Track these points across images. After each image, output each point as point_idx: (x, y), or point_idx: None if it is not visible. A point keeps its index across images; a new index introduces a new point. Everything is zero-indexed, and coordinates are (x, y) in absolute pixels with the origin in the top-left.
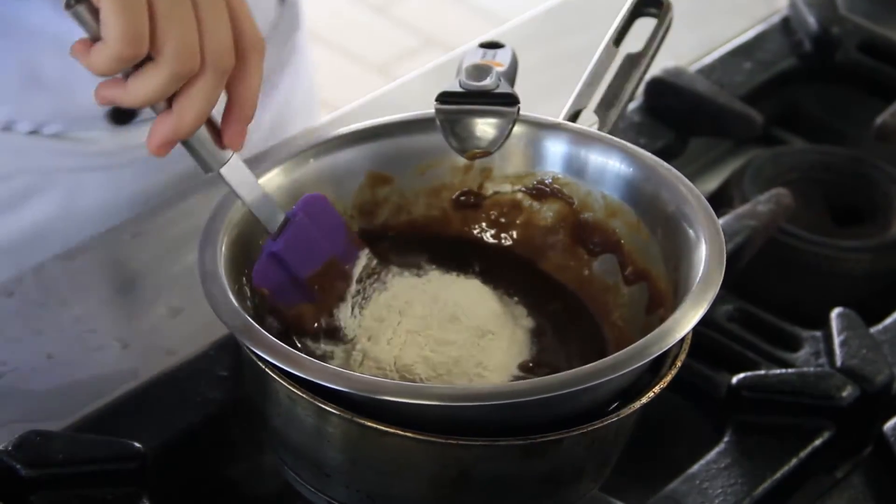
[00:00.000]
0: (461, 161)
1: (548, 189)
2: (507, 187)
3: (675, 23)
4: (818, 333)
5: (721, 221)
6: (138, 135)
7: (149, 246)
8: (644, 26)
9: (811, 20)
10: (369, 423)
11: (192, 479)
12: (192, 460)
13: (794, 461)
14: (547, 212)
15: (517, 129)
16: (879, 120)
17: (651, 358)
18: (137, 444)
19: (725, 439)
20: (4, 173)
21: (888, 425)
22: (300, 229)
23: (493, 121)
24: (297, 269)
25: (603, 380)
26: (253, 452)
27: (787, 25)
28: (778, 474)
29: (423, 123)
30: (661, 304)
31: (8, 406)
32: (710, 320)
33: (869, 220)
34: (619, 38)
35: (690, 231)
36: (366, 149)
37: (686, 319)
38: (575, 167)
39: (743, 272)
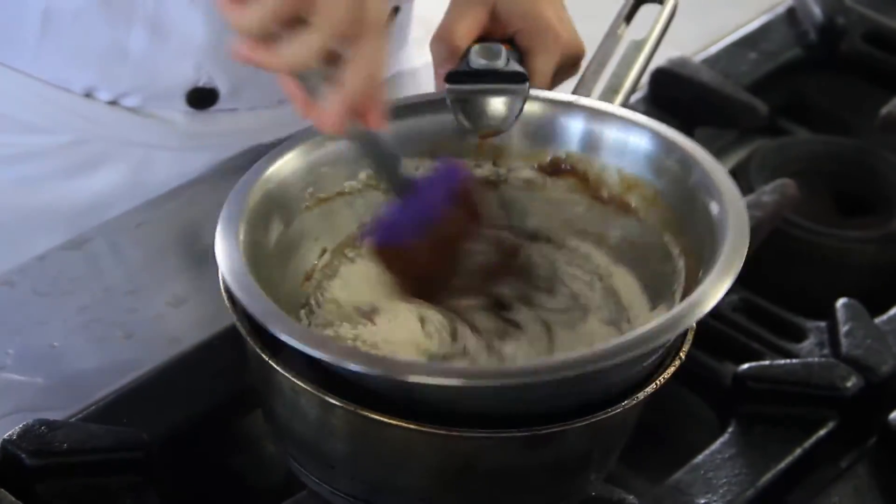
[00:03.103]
0: (473, 141)
1: (562, 166)
2: (520, 165)
3: (680, 13)
4: (823, 324)
5: None
6: (213, 122)
7: (153, 236)
8: (649, 13)
9: (816, 10)
10: (373, 415)
11: (196, 468)
12: (196, 449)
13: (798, 451)
14: (562, 188)
15: (528, 106)
16: (884, 110)
17: (682, 330)
18: (142, 434)
19: (730, 429)
20: (80, 138)
21: (893, 415)
22: (425, 197)
23: (503, 99)
24: (413, 238)
25: (634, 353)
26: (257, 442)
27: (792, 16)
28: (782, 464)
29: (433, 104)
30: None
31: (12, 396)
32: (715, 311)
33: (874, 211)
34: (623, 25)
35: (713, 203)
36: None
37: (713, 291)
38: (589, 143)
39: (748, 263)
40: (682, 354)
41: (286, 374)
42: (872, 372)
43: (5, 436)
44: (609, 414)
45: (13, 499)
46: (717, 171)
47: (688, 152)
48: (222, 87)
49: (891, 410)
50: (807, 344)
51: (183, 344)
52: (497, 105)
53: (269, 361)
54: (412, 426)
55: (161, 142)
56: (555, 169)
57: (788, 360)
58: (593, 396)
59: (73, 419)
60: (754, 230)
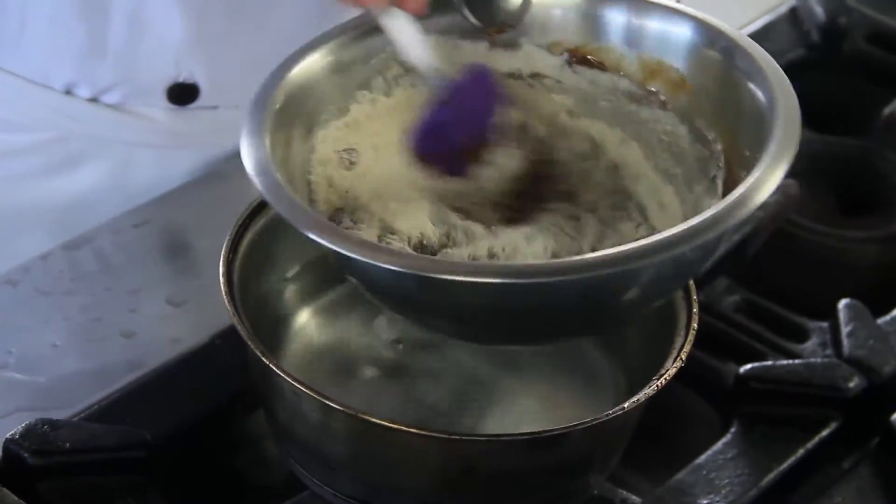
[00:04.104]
0: (482, 41)
1: (577, 57)
2: (535, 57)
3: None
4: (825, 324)
5: None
6: (195, 119)
7: (154, 235)
8: None
9: (819, 10)
10: (373, 420)
11: (198, 468)
12: (198, 449)
13: (801, 452)
14: (580, 80)
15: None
16: (887, 110)
17: (737, 221)
18: (144, 433)
19: (732, 430)
20: (60, 136)
21: (895, 416)
22: (462, 98)
23: None
24: (453, 139)
25: (688, 246)
26: (259, 442)
27: (794, 16)
28: (785, 465)
29: (440, 2)
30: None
31: (14, 395)
32: (716, 311)
33: (876, 211)
34: None
35: (751, 85)
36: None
37: (769, 178)
38: (604, 31)
39: (750, 263)
40: (683, 356)
41: (286, 378)
42: (875, 372)
43: (7, 435)
44: (611, 416)
45: (15, 498)
46: (760, 54)
47: (726, 35)
48: (203, 82)
49: (893, 411)
50: (809, 344)
51: (185, 344)
52: None
53: (270, 365)
54: (412, 430)
55: (143, 139)
56: (569, 60)
57: (791, 361)
58: (672, 276)
59: (75, 419)
60: (756, 231)
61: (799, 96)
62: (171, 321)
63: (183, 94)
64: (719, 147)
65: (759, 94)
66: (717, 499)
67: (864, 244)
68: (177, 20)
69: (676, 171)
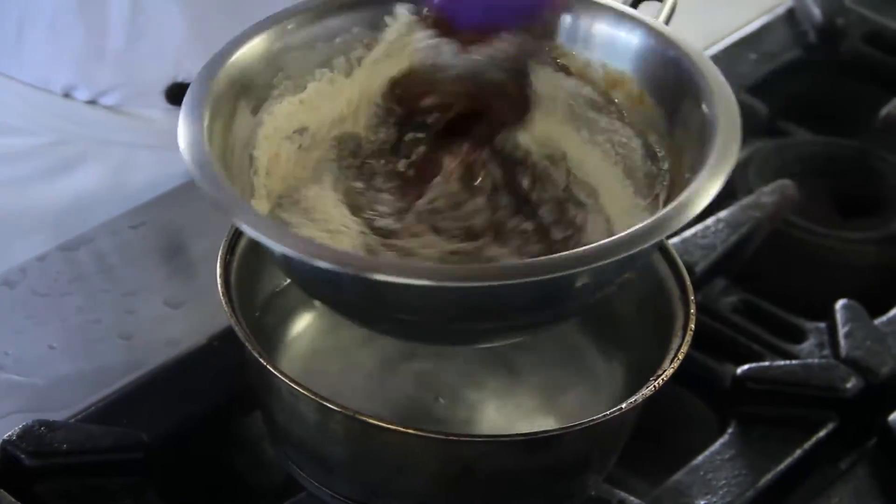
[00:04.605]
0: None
1: (546, 59)
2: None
3: (679, 14)
4: (822, 325)
5: (726, 213)
6: None
7: (151, 237)
8: (649, 11)
9: (816, 11)
10: (371, 420)
11: (195, 469)
12: (195, 450)
13: (798, 452)
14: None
15: None
16: (884, 111)
17: (669, 233)
18: (141, 434)
19: (730, 431)
20: (60, 139)
21: (893, 417)
22: None
23: None
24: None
25: (621, 256)
26: (256, 443)
27: (791, 16)
28: (782, 465)
29: None
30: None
31: (11, 396)
32: (714, 311)
33: (874, 212)
34: None
35: (703, 105)
36: (357, 14)
37: (704, 191)
38: (575, 36)
39: (747, 264)
40: (681, 355)
41: (284, 379)
42: (872, 373)
43: (5, 436)
44: (608, 417)
45: (12, 499)
46: (708, 68)
47: (678, 47)
48: None
49: (891, 412)
50: (806, 345)
51: (182, 345)
52: None
53: (268, 366)
54: (409, 431)
55: (141, 141)
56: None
57: (788, 362)
58: (567, 303)
59: (73, 420)
60: (753, 231)
61: (796, 97)
62: (169, 322)
63: (181, 94)
64: (666, 166)
65: (708, 115)
66: (715, 499)
67: (861, 245)
68: (176, 20)
69: (627, 183)
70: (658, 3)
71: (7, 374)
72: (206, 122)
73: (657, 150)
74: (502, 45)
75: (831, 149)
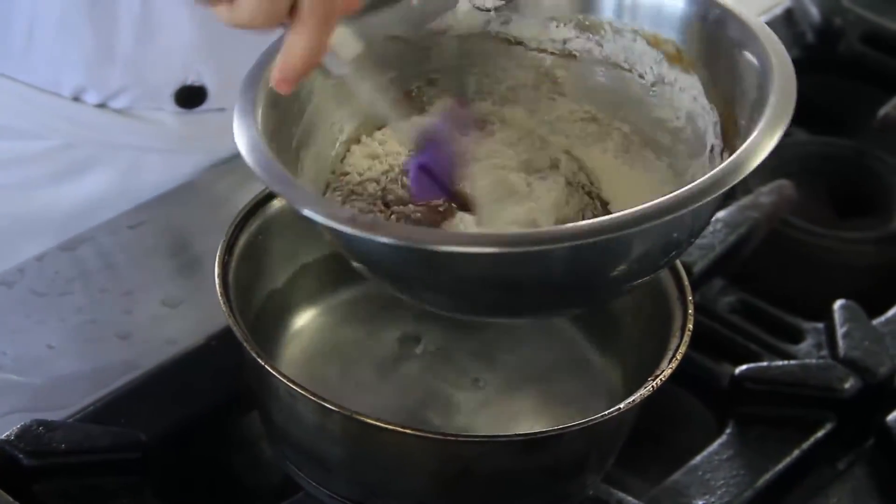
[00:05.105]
0: (479, 15)
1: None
2: (530, 34)
3: None
4: (820, 325)
5: (723, 213)
6: (202, 123)
7: (149, 237)
8: None
9: (814, 11)
10: (369, 420)
11: (193, 469)
12: (193, 450)
13: (796, 453)
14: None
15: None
16: (882, 111)
17: (727, 188)
18: (139, 434)
19: (728, 431)
20: (69, 143)
21: (890, 417)
22: (439, 139)
23: None
24: (445, 179)
25: (682, 212)
26: (254, 443)
27: (789, 16)
28: (780, 466)
29: None
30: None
31: (9, 396)
32: (712, 312)
33: (871, 212)
34: None
35: (746, 53)
36: (381, 15)
37: (760, 147)
38: (597, 6)
39: (745, 264)
40: (679, 356)
41: (282, 379)
42: (870, 373)
43: (3, 436)
44: (606, 417)
45: (10, 499)
46: (754, 21)
47: (719, 4)
48: (210, 84)
49: (888, 412)
50: (804, 345)
51: (180, 345)
52: None
53: (266, 366)
54: (407, 431)
55: (151, 144)
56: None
57: (786, 362)
58: (664, 246)
59: (71, 420)
60: (751, 231)
61: None
62: (167, 322)
63: (191, 96)
64: (716, 118)
65: (755, 61)
66: (713, 499)
67: (859, 245)
68: (185, 22)
69: (675, 145)
70: None
71: (5, 374)
72: (259, 125)
73: (704, 103)
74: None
75: (829, 149)
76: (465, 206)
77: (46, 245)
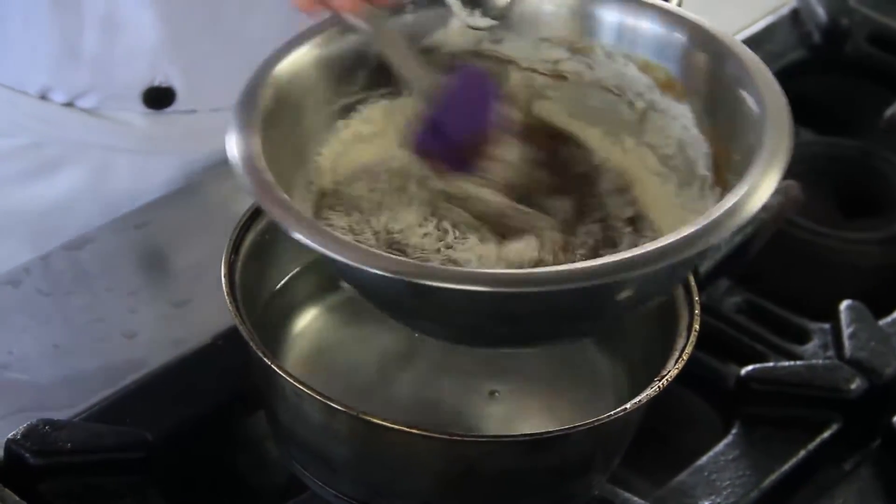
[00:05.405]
0: (471, 33)
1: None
2: (521, 54)
3: None
4: (827, 326)
5: None
6: (172, 124)
7: (154, 237)
8: None
9: (820, 11)
10: (375, 420)
11: (199, 469)
12: (198, 450)
13: (802, 453)
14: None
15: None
16: (889, 112)
17: (730, 233)
18: (145, 434)
19: (734, 431)
20: (37, 141)
21: None
22: (454, 96)
23: None
24: (453, 136)
25: (673, 260)
26: (260, 443)
27: (796, 17)
28: (786, 466)
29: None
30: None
31: (15, 395)
32: (718, 312)
33: (878, 212)
34: None
35: (741, 90)
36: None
37: (762, 186)
38: (594, 30)
39: (752, 264)
40: (685, 356)
41: (288, 379)
42: (876, 374)
43: (9, 435)
44: (612, 418)
45: (17, 498)
46: (750, 58)
47: (720, 41)
48: (179, 86)
49: (894, 412)
50: (810, 346)
51: (186, 344)
52: None
53: (272, 365)
54: (413, 431)
55: (120, 144)
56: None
57: (792, 362)
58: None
59: (77, 419)
60: (758, 232)
61: (800, 97)
62: (173, 321)
63: (159, 97)
64: (707, 149)
65: (749, 99)
66: (719, 500)
67: (865, 245)
68: (151, 22)
69: (668, 173)
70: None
71: (11, 374)
72: (258, 146)
73: (697, 133)
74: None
75: (835, 149)
76: (463, 165)
77: (17, 245)
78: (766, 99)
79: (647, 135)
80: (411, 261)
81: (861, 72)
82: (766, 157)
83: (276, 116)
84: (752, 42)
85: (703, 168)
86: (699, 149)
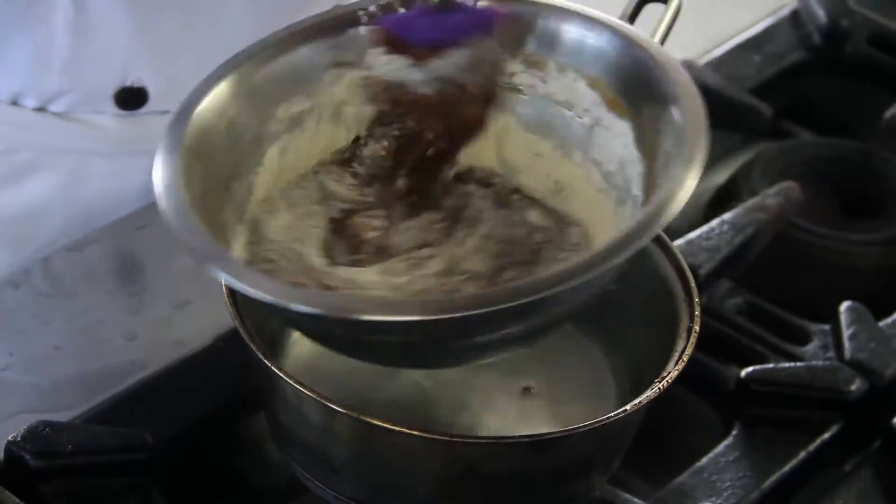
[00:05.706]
0: None
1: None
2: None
3: (683, 16)
4: (827, 327)
5: (730, 215)
6: (145, 125)
7: (155, 237)
8: (653, 13)
9: (820, 13)
10: (375, 422)
11: (200, 470)
12: (200, 451)
13: (802, 454)
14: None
15: (483, 3)
16: (889, 113)
17: (648, 240)
18: (146, 435)
19: (734, 433)
20: (9, 147)
21: None
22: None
23: None
24: (426, 39)
25: (603, 268)
26: (261, 444)
27: (796, 18)
28: (786, 467)
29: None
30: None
31: (16, 397)
32: (718, 313)
33: (878, 214)
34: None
35: (672, 108)
36: (328, 42)
37: (677, 195)
38: (546, 42)
39: (752, 265)
40: (685, 358)
41: (288, 380)
42: (877, 375)
43: (9, 437)
44: (613, 419)
45: (17, 500)
46: (674, 68)
47: (645, 49)
48: (151, 86)
49: (895, 414)
50: (811, 347)
51: (187, 346)
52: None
53: (272, 367)
54: (414, 433)
55: (93, 147)
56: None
57: (792, 364)
58: (553, 315)
59: (77, 420)
60: (758, 233)
61: (800, 99)
62: (174, 323)
63: (131, 98)
64: (642, 168)
65: (676, 117)
66: (719, 501)
67: (865, 247)
68: (123, 23)
69: (609, 190)
70: (662, 6)
71: (12, 375)
72: (182, 164)
73: (635, 152)
74: (460, 56)
75: (836, 150)
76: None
77: None
78: (686, 113)
79: (594, 150)
80: (334, 294)
81: (861, 73)
82: (671, 186)
83: (203, 144)
84: (752, 43)
85: (636, 188)
86: (635, 168)
